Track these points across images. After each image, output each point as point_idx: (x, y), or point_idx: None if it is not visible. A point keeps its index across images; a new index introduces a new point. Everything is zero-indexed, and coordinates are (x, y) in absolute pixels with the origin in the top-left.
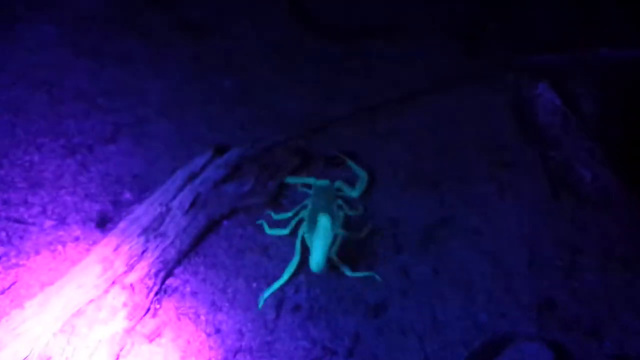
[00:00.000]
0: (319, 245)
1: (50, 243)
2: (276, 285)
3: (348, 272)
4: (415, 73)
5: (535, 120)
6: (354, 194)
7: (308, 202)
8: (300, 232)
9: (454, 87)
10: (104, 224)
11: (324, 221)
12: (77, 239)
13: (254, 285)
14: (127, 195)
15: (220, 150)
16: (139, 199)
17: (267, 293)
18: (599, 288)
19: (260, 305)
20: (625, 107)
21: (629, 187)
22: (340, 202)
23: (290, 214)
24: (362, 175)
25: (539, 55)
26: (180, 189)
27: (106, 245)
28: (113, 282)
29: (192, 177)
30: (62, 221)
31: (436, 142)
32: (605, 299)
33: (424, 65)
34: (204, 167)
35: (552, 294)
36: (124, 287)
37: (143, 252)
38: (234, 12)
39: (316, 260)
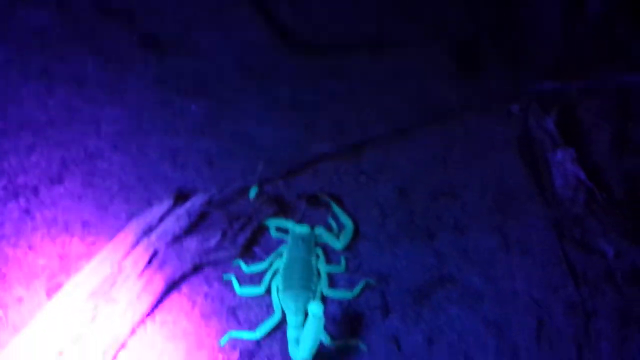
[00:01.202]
0: (310, 338)
1: None
2: (246, 336)
3: (327, 342)
4: (405, 97)
5: (552, 188)
6: (338, 245)
7: (284, 249)
8: (274, 286)
9: (451, 117)
10: (49, 283)
11: (315, 310)
12: (20, 300)
13: (220, 357)
14: (76, 247)
15: (182, 195)
16: (88, 251)
17: (233, 334)
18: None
19: (222, 342)
20: None
21: None
22: (319, 251)
23: (264, 265)
24: (349, 225)
25: (546, 80)
26: (134, 244)
27: (50, 312)
28: (59, 354)
29: (148, 229)
30: (3, 278)
31: (431, 183)
32: None
33: (415, 87)
34: (162, 218)
35: None
36: None
37: (91, 319)
38: (202, 25)
39: (304, 355)
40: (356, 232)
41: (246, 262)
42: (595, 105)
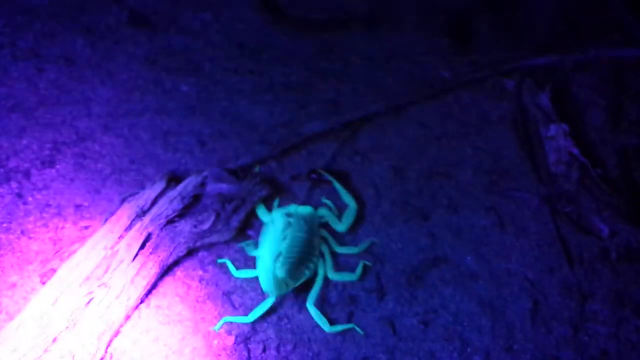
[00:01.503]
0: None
1: None
2: (240, 320)
3: (326, 327)
4: (399, 74)
5: (546, 165)
6: (340, 228)
7: (287, 232)
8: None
9: (446, 93)
10: (42, 269)
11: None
12: (13, 286)
13: (215, 343)
14: (69, 231)
15: (175, 177)
16: (81, 236)
17: (227, 319)
18: (612, 343)
19: (216, 328)
20: None
21: None
22: (325, 233)
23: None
24: (352, 205)
25: (540, 55)
26: (127, 227)
27: (43, 298)
28: (53, 340)
29: (141, 213)
30: None
31: (426, 161)
32: (618, 356)
33: (408, 63)
34: (155, 201)
35: (558, 354)
36: (62, 356)
37: (85, 305)
38: (193, 3)
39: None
40: (360, 213)
41: (248, 246)
42: (590, 80)
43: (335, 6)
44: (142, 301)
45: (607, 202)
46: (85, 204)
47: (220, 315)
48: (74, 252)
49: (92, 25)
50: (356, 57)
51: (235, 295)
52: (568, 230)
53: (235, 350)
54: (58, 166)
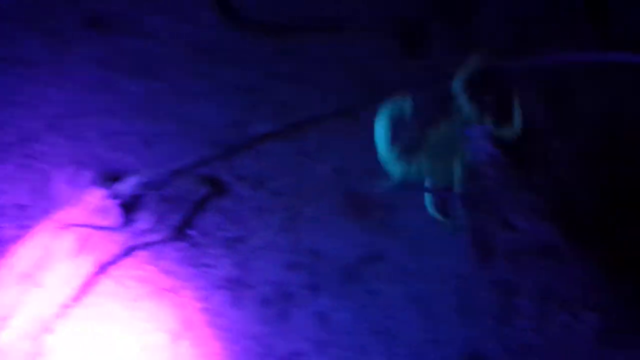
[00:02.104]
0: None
1: None
2: None
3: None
4: (351, 78)
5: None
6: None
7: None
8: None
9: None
10: None
11: None
12: None
13: (150, 341)
14: (9, 232)
15: (116, 177)
16: (20, 235)
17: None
18: (536, 336)
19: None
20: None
21: (575, 236)
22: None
23: None
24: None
25: (490, 60)
26: (65, 227)
27: None
28: None
29: (79, 212)
30: None
31: (368, 162)
32: (539, 347)
33: (362, 69)
34: (94, 201)
35: (481, 346)
36: None
37: (19, 305)
38: (149, 4)
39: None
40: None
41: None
42: (533, 86)
43: (293, 9)
44: (76, 301)
45: (527, 201)
46: (27, 204)
47: (155, 315)
48: (12, 252)
49: (46, 26)
50: (311, 61)
51: (172, 293)
52: (491, 227)
53: (169, 347)
54: (1, 166)
